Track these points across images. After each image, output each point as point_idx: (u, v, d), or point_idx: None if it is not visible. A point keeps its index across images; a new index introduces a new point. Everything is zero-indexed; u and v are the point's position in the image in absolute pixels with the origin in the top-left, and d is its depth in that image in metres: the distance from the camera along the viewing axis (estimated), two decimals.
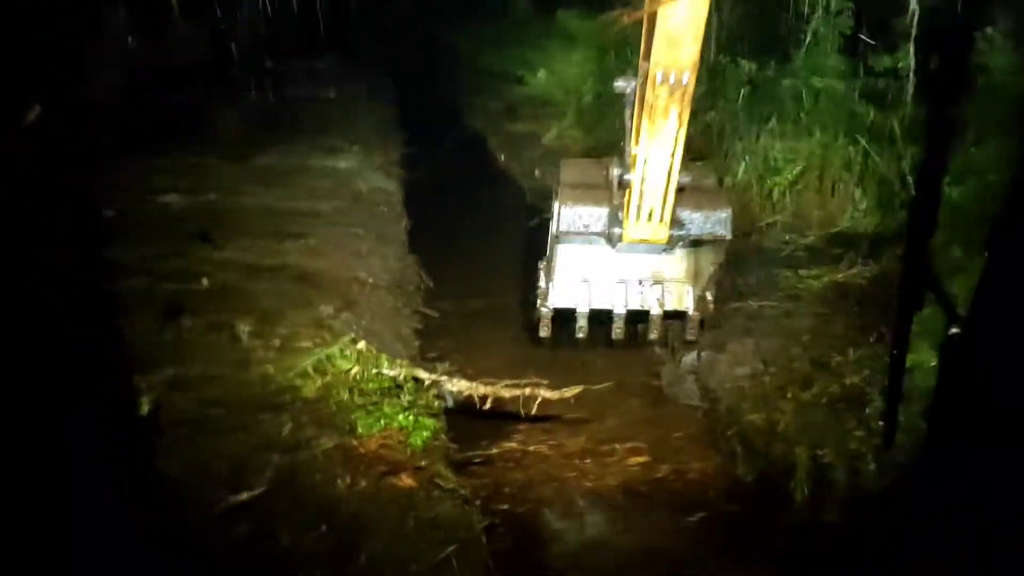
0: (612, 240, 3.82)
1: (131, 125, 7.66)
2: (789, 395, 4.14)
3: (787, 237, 5.82)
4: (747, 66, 6.84)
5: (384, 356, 4.12)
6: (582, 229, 3.84)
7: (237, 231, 5.60)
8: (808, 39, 6.42)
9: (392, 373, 3.96)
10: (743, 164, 6.25)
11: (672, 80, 3.42)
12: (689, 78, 3.42)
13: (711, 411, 4.28)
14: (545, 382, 4.22)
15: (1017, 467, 0.96)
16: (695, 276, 4.15)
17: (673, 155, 3.56)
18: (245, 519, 2.89)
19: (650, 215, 3.71)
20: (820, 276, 5.19)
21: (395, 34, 16.28)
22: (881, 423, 3.78)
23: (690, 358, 4.62)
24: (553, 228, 3.95)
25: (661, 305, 4.07)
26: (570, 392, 4.07)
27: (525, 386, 4.04)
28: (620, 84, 3.61)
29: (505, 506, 3.61)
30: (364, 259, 5.69)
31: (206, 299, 4.44)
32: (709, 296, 4.02)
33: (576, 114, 9.31)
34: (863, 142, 5.77)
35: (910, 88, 5.69)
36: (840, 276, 5.12)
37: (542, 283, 4.20)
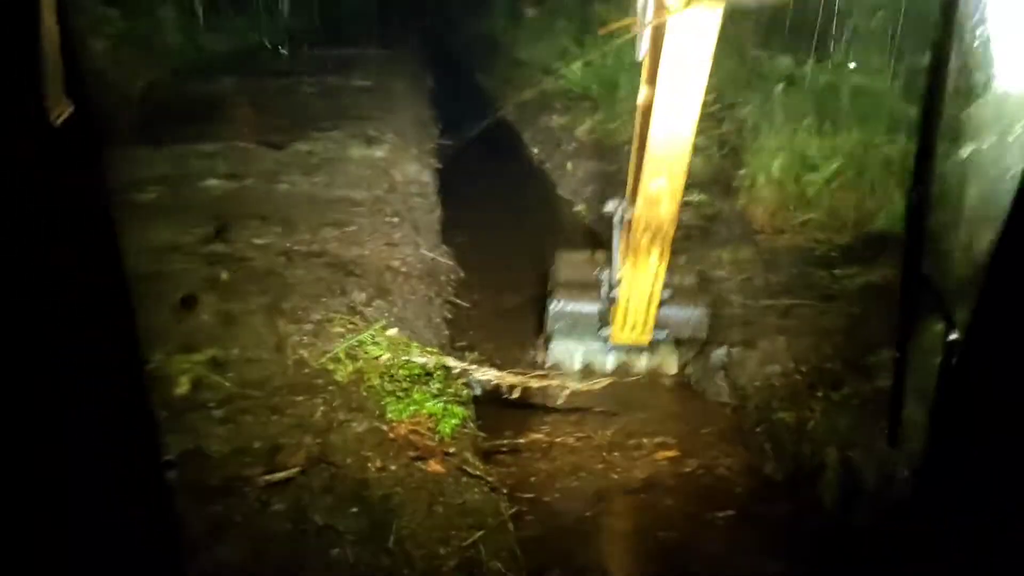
0: (602, 338, 4.53)
1: (172, 112, 7.81)
2: (820, 394, 4.13)
3: (822, 236, 5.79)
4: (784, 61, 6.79)
5: (415, 344, 4.19)
6: (573, 329, 4.56)
7: (274, 217, 5.70)
8: (847, 34, 6.36)
9: (422, 361, 4.02)
10: (778, 160, 6.21)
11: (653, 229, 3.95)
12: (667, 229, 3.94)
13: (740, 408, 4.28)
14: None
15: (1018, 467, 0.97)
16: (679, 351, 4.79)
17: (654, 285, 4.16)
18: (280, 497, 2.97)
19: (633, 326, 4.35)
20: (854, 276, 5.15)
21: (434, 24, 16.38)
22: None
23: (720, 354, 4.62)
24: (547, 325, 4.64)
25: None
26: (599, 384, 4.11)
27: (554, 377, 4.09)
28: (610, 207, 4.31)
29: (531, 495, 3.66)
30: (398, 247, 5.76)
31: (244, 283, 4.53)
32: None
33: (610, 107, 9.29)
34: (903, 141, 5.71)
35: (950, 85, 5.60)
36: (875, 277, 5.08)
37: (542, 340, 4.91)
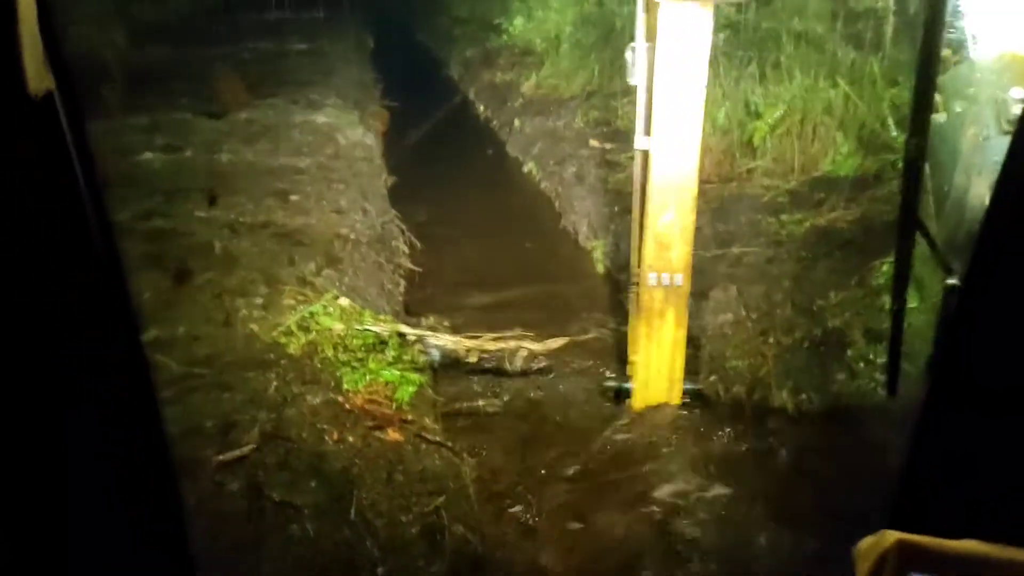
0: None
1: (103, 84, 7.51)
2: (772, 340, 4.19)
3: (768, 182, 5.83)
4: (725, 9, 6.76)
5: (368, 312, 4.13)
6: None
7: (216, 189, 5.54)
8: None
9: (376, 329, 3.97)
10: (722, 109, 6.22)
11: (666, 282, 3.55)
12: (683, 280, 3.54)
13: (694, 357, 4.32)
14: (530, 334, 4.26)
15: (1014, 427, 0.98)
16: None
17: (674, 354, 3.69)
18: (235, 476, 2.92)
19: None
20: (802, 221, 5.21)
21: None
22: (862, 365, 3.84)
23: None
24: None
25: None
26: (555, 344, 4.11)
27: (510, 339, 4.08)
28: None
29: (491, 458, 3.66)
30: (346, 215, 5.66)
31: (187, 258, 4.41)
32: None
33: (555, 62, 9.20)
34: (844, 85, 5.75)
35: (890, 29, 5.65)
36: (822, 220, 5.14)
37: None
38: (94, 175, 1.08)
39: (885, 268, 4.17)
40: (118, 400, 1.12)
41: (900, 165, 4.96)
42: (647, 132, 3.41)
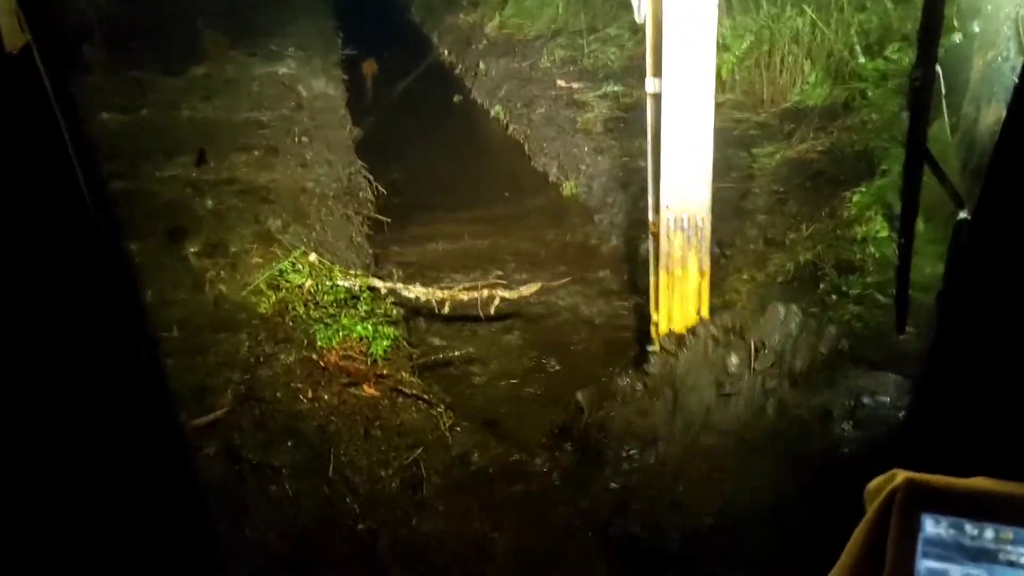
0: None
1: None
2: (745, 275, 4.19)
3: (739, 115, 5.77)
4: None
5: (338, 267, 4.07)
6: None
7: (177, 147, 5.40)
8: None
9: (347, 284, 3.92)
10: None
11: (686, 225, 3.31)
12: (704, 221, 3.31)
13: None
14: (503, 282, 4.22)
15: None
16: None
17: (699, 305, 3.41)
18: (211, 441, 2.89)
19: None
20: (773, 153, 5.18)
21: None
22: (834, 297, 3.85)
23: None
24: None
25: None
26: (528, 290, 4.08)
27: (482, 287, 4.04)
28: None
29: (468, 405, 3.65)
30: (310, 168, 5.55)
31: (150, 220, 4.31)
32: None
33: (518, 1, 9.00)
34: (810, 13, 5.66)
35: None
36: (792, 152, 5.11)
37: None
38: (79, 129, 1.04)
39: (856, 199, 4.16)
40: (118, 370, 1.09)
41: (871, 93, 4.94)
42: (655, 74, 3.25)
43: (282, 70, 7.52)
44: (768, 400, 3.09)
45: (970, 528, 0.88)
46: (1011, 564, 0.86)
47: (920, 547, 0.88)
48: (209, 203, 4.69)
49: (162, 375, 1.17)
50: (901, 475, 0.90)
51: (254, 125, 6.13)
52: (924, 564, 0.88)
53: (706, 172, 3.25)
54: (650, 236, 3.52)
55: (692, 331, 3.32)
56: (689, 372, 3.22)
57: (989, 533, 0.87)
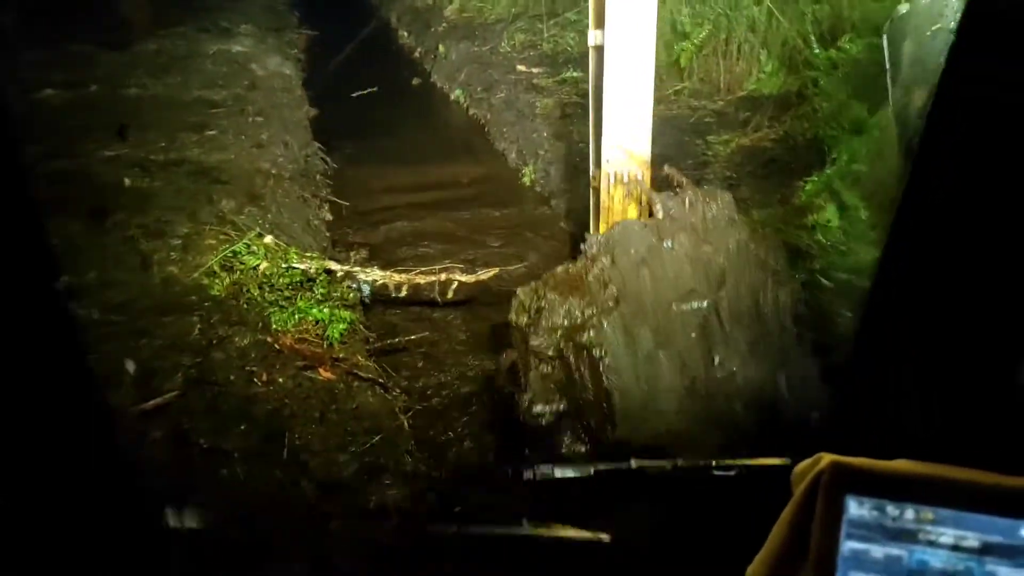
0: None
1: None
2: None
3: (695, 103, 5.82)
4: None
5: (294, 249, 4.01)
6: None
7: (126, 123, 5.25)
8: None
9: (303, 267, 3.86)
10: None
11: (627, 179, 3.36)
12: (644, 175, 3.34)
13: None
14: (460, 266, 4.20)
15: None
16: None
17: None
18: (158, 425, 2.83)
19: None
20: (728, 141, 5.23)
21: None
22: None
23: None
24: None
25: None
26: (486, 275, 4.07)
27: (440, 272, 4.02)
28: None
29: (425, 391, 3.64)
30: (266, 149, 5.45)
31: (96, 200, 4.19)
32: None
33: None
34: (767, 2, 5.71)
35: None
36: (747, 140, 5.17)
37: None
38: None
39: (808, 187, 4.23)
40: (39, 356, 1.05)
41: (822, 82, 5.00)
42: (597, 26, 3.27)
43: (236, 47, 7.37)
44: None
45: (892, 509, 0.90)
46: (931, 543, 0.89)
47: (844, 528, 0.91)
48: (157, 183, 4.57)
49: (82, 360, 1.13)
50: (827, 458, 0.93)
51: (206, 104, 5.99)
52: (848, 545, 0.91)
53: (646, 126, 3.31)
54: (591, 190, 3.52)
55: None
56: None
57: (910, 514, 0.90)
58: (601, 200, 3.45)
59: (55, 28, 6.96)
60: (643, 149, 3.36)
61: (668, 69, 6.00)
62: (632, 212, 3.45)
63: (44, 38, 6.74)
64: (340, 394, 3.16)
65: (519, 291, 3.29)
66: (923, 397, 1.08)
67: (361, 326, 3.84)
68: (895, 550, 0.90)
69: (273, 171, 5.15)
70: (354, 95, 7.53)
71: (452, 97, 7.72)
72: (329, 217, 5.31)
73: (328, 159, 6.00)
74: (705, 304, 3.11)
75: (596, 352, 3.00)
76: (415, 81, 8.35)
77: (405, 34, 9.69)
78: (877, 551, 0.90)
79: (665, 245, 3.19)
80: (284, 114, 6.33)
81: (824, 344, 3.16)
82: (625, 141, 3.33)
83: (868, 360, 1.13)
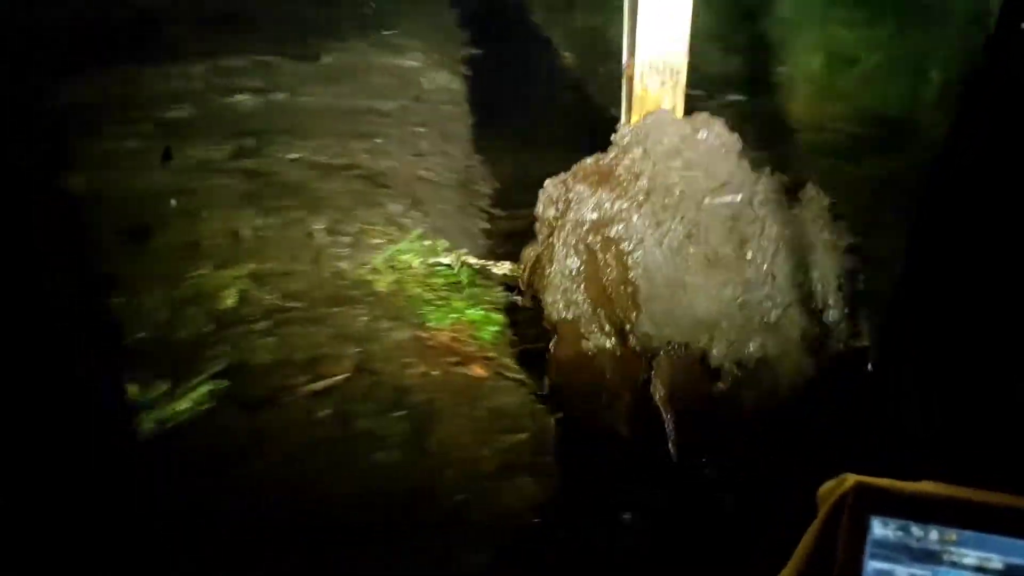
0: None
1: (182, 26, 7.71)
2: None
3: (856, 130, 5.66)
4: None
5: (453, 253, 4.22)
6: None
7: (304, 131, 5.68)
8: None
9: (460, 269, 4.06)
10: (816, 55, 6.04)
11: (662, 68, 3.22)
12: (681, 67, 3.21)
13: None
14: None
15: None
16: None
17: None
18: (323, 406, 3.07)
19: None
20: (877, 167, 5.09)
21: None
22: None
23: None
24: None
25: None
26: None
27: None
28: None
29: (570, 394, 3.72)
30: (425, 158, 5.73)
31: (278, 198, 4.57)
32: None
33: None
34: (936, 32, 5.50)
35: None
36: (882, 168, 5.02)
37: None
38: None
39: None
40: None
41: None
42: None
43: (407, 62, 7.76)
44: None
45: (916, 530, 0.90)
46: (954, 564, 0.89)
47: (868, 548, 0.91)
48: (332, 185, 4.93)
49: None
50: (851, 478, 0.94)
51: (375, 113, 6.36)
52: (872, 565, 0.92)
53: (685, 14, 3.15)
54: (624, 80, 3.44)
55: None
56: None
57: (934, 535, 0.90)
58: (634, 90, 3.32)
59: (242, 39, 7.61)
60: (680, 37, 3.19)
61: (833, 94, 5.87)
62: (666, 103, 3.33)
63: (235, 49, 7.37)
64: (489, 392, 3.31)
65: (547, 183, 3.24)
66: (948, 418, 1.08)
67: (511, 330, 3.98)
68: (919, 571, 0.90)
69: (435, 179, 5.41)
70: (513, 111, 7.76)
71: (608, 115, 7.80)
72: (487, 226, 5.52)
73: (487, 171, 6.22)
74: (739, 198, 3.01)
75: (624, 246, 2.96)
76: (577, 100, 8.48)
77: (567, 54, 9.87)
78: (901, 572, 0.90)
79: (700, 136, 3.09)
80: (447, 127, 6.62)
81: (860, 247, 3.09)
82: (662, 29, 3.17)
83: (893, 381, 1.13)
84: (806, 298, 2.96)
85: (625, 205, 3.04)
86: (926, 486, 0.92)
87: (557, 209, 3.22)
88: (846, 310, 2.94)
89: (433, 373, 3.32)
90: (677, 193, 3.05)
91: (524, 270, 3.41)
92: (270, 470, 2.80)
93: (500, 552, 2.71)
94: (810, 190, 3.11)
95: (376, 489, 2.85)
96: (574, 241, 3.09)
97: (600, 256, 3.04)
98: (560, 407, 3.14)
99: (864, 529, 0.91)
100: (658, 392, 2.90)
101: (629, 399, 2.98)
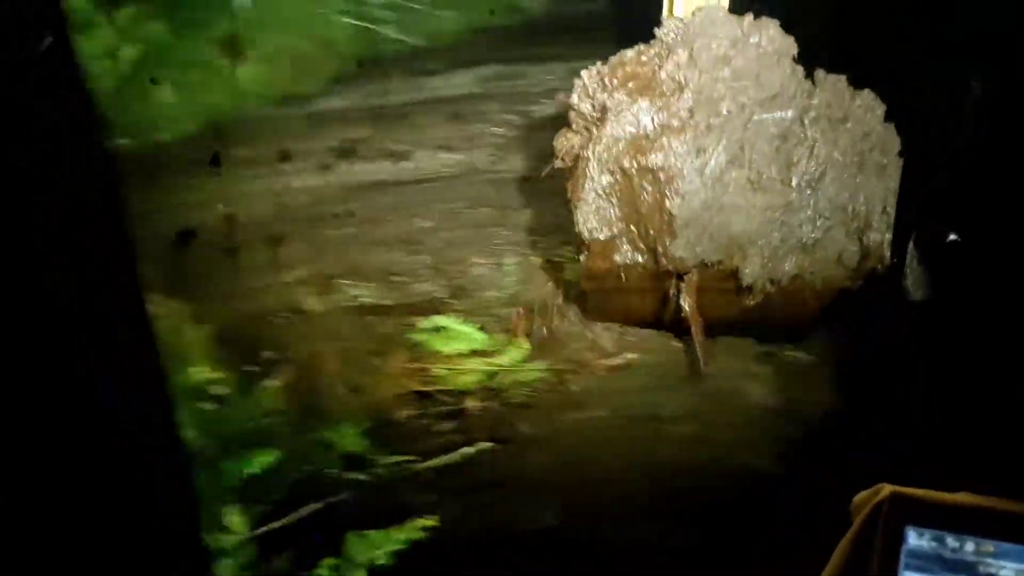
0: None
1: None
2: None
3: None
4: None
5: None
6: None
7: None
8: None
9: None
10: None
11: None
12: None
13: None
14: None
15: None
16: None
17: None
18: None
19: None
20: None
21: None
22: None
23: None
24: None
25: None
26: None
27: None
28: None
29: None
30: None
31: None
32: None
33: None
34: None
35: None
36: None
37: None
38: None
39: None
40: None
41: None
42: None
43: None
44: None
45: (952, 541, 0.93)
46: None
47: (903, 559, 0.94)
48: None
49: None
50: (887, 489, 0.98)
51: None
52: (906, 575, 0.94)
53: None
54: None
55: None
56: None
57: (970, 546, 0.92)
58: None
59: None
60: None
61: None
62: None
63: None
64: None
65: (583, 73, 2.98)
66: (983, 430, 1.07)
67: None
68: None
69: None
70: None
71: None
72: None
73: None
74: (790, 114, 2.78)
75: (662, 175, 2.83)
76: None
77: None
78: None
79: (752, 40, 2.81)
80: None
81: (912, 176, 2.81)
82: None
83: (929, 393, 1.13)
84: (848, 219, 2.80)
85: (666, 122, 2.85)
86: (963, 497, 0.94)
87: (593, 107, 2.98)
88: (888, 234, 2.79)
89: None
90: (723, 111, 2.82)
91: (561, 159, 3.12)
92: None
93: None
94: (867, 97, 2.83)
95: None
96: (610, 160, 2.92)
97: (636, 181, 2.88)
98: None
99: (899, 539, 0.93)
100: (687, 302, 2.91)
101: (659, 307, 3.03)
